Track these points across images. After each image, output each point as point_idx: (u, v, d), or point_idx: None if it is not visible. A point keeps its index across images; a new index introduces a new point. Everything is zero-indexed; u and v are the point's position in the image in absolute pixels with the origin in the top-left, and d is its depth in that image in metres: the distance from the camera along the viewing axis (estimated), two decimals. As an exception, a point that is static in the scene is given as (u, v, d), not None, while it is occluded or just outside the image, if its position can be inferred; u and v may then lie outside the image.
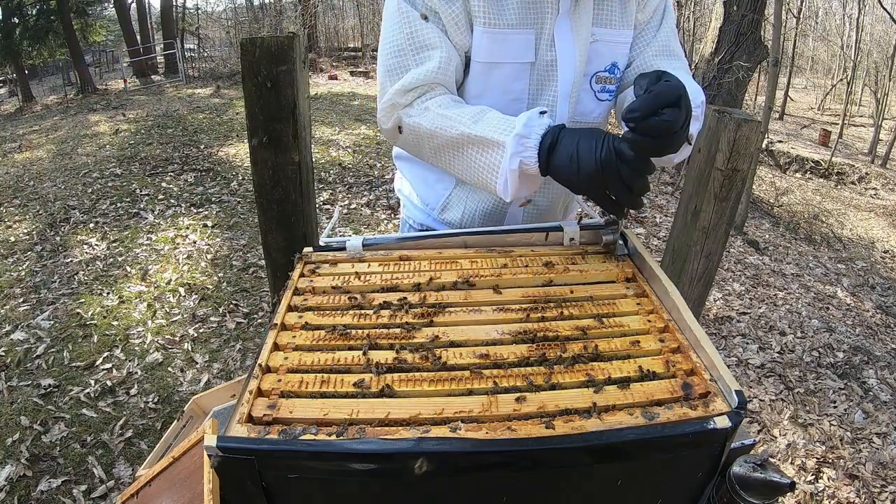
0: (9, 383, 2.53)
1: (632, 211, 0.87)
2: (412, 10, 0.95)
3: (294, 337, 0.77)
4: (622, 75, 1.11)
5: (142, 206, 4.60)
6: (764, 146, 10.85)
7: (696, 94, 0.94)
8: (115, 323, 3.02)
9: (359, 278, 0.90)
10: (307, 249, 0.99)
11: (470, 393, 0.67)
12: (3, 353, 2.74)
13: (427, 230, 1.29)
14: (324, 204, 4.74)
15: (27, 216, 4.53)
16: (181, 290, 3.35)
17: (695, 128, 0.94)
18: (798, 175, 12.29)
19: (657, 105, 0.75)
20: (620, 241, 0.97)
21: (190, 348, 2.82)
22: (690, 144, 0.90)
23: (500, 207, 1.16)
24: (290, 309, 0.84)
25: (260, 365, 0.71)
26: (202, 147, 6.24)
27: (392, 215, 4.57)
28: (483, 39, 0.99)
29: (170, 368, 2.67)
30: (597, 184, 0.81)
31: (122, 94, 11.84)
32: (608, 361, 0.71)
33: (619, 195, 0.81)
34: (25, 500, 1.96)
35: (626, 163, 0.78)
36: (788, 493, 1.23)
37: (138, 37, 15.73)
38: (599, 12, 1.03)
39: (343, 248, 0.97)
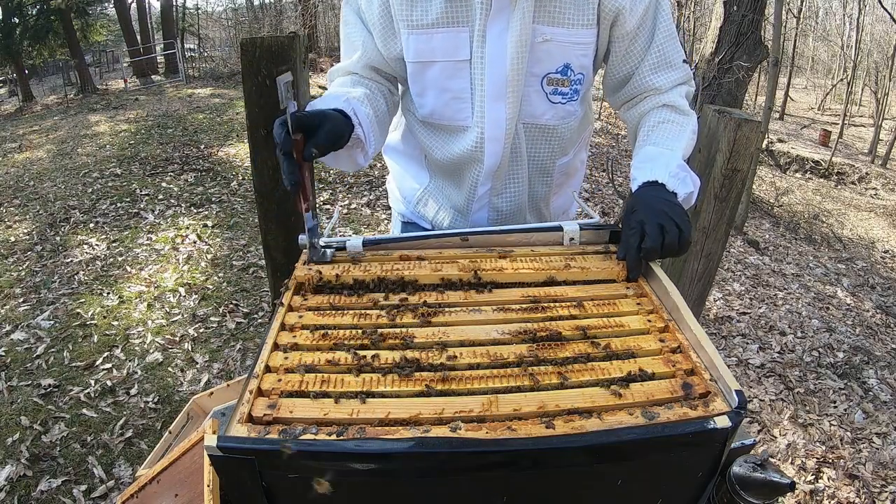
0: (9, 383, 2.53)
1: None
2: (350, 12, 1.07)
3: (294, 337, 0.77)
4: (584, 77, 1.06)
5: (142, 206, 4.60)
6: (764, 146, 10.85)
7: (670, 161, 0.94)
8: (115, 323, 3.02)
9: (359, 278, 0.90)
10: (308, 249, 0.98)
11: (470, 393, 0.67)
12: (3, 353, 2.74)
13: (409, 223, 1.33)
14: (324, 204, 4.74)
15: (27, 216, 4.53)
16: (181, 290, 3.35)
17: (690, 187, 0.95)
18: (798, 175, 12.29)
19: (638, 252, 0.85)
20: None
21: (190, 348, 2.82)
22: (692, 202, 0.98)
23: (466, 206, 1.19)
24: (291, 309, 0.84)
25: (260, 364, 0.71)
26: (202, 147, 6.24)
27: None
28: (409, 41, 1.02)
29: (170, 368, 2.67)
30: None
31: (123, 94, 11.85)
32: (608, 361, 0.71)
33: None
34: (25, 500, 1.96)
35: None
36: (788, 493, 1.23)
37: (138, 37, 15.73)
38: (547, 10, 0.97)
39: (343, 248, 0.97)
